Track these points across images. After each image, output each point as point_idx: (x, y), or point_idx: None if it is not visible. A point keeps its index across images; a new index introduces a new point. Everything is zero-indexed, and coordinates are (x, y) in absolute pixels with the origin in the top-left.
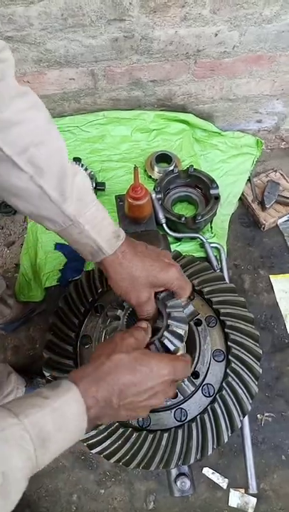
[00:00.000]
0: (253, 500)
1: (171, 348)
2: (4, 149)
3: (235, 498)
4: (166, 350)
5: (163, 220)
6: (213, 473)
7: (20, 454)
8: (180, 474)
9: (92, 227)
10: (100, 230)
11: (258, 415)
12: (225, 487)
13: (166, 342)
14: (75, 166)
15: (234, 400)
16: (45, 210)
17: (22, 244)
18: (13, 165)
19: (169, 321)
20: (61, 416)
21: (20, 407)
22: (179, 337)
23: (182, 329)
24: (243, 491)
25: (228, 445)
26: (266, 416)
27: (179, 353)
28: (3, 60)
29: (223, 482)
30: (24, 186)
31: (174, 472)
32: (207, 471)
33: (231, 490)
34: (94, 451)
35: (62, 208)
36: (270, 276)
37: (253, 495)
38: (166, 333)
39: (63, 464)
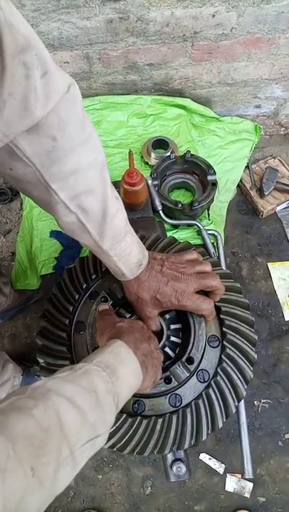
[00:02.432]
0: (250, 485)
1: (172, 355)
2: (60, 195)
3: (231, 483)
4: (167, 356)
5: (159, 207)
6: (210, 458)
7: (100, 379)
8: (176, 460)
9: (119, 259)
10: (125, 261)
11: (255, 402)
12: (222, 472)
13: (167, 350)
14: (116, 203)
15: (229, 386)
16: (84, 239)
17: (18, 233)
18: (65, 207)
19: (168, 332)
20: (117, 354)
21: (85, 359)
22: (177, 345)
23: (179, 338)
24: (239, 476)
25: (225, 431)
26: (263, 402)
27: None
28: (70, 102)
29: (219, 467)
30: (70, 221)
31: (169, 457)
32: (204, 457)
33: (228, 475)
34: None
35: (98, 243)
36: (268, 263)
37: (249, 480)
38: (167, 343)
39: None
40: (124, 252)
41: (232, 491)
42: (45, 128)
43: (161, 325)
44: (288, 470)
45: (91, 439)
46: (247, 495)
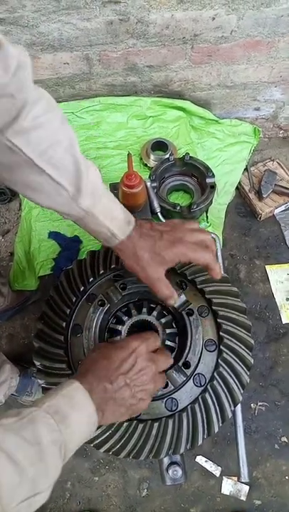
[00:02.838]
0: (246, 488)
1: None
2: (25, 151)
3: (227, 486)
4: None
5: (158, 209)
6: (206, 461)
7: (46, 428)
8: (172, 463)
9: (105, 217)
10: (112, 219)
11: (252, 404)
12: (218, 475)
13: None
14: (87, 161)
15: (225, 390)
16: (62, 204)
17: (17, 233)
18: (33, 165)
19: (163, 336)
20: (70, 399)
21: (36, 401)
22: (171, 349)
23: (174, 343)
24: (235, 479)
25: (222, 434)
26: (260, 405)
27: None
28: (23, 67)
29: (216, 470)
30: (44, 182)
31: (165, 461)
32: (200, 460)
33: (224, 478)
34: None
35: (78, 201)
36: (266, 266)
37: (245, 483)
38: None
39: None
40: (108, 207)
41: (228, 493)
42: (4, 88)
43: (156, 329)
44: (284, 473)
45: (28, 497)
46: (243, 498)
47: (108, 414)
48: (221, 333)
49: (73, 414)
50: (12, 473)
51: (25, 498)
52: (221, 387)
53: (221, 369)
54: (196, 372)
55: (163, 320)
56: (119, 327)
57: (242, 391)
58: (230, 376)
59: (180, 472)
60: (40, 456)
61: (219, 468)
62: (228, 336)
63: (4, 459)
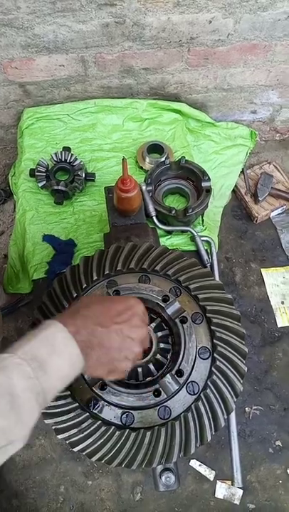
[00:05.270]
0: (240, 492)
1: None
2: None
3: (221, 490)
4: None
5: (153, 213)
6: (200, 465)
7: (19, 375)
8: (165, 469)
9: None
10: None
11: (246, 408)
12: (212, 479)
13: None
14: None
15: (219, 399)
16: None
17: (11, 235)
18: None
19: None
20: (50, 343)
21: (12, 347)
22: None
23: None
24: (229, 482)
25: (216, 437)
26: (254, 409)
27: None
28: None
29: (210, 474)
30: None
31: (159, 467)
32: (194, 463)
33: (218, 482)
34: (76, 449)
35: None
36: (262, 269)
37: (239, 487)
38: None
39: (51, 456)
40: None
41: (222, 497)
42: None
43: (151, 340)
44: (278, 477)
45: (0, 447)
46: (237, 502)
47: (91, 361)
48: (214, 341)
49: (53, 359)
50: None
51: None
52: (214, 395)
53: (214, 377)
54: (189, 380)
55: (153, 324)
56: None
57: (235, 400)
58: (224, 384)
59: (173, 478)
60: (11, 406)
61: (213, 472)
62: (221, 344)
63: None
